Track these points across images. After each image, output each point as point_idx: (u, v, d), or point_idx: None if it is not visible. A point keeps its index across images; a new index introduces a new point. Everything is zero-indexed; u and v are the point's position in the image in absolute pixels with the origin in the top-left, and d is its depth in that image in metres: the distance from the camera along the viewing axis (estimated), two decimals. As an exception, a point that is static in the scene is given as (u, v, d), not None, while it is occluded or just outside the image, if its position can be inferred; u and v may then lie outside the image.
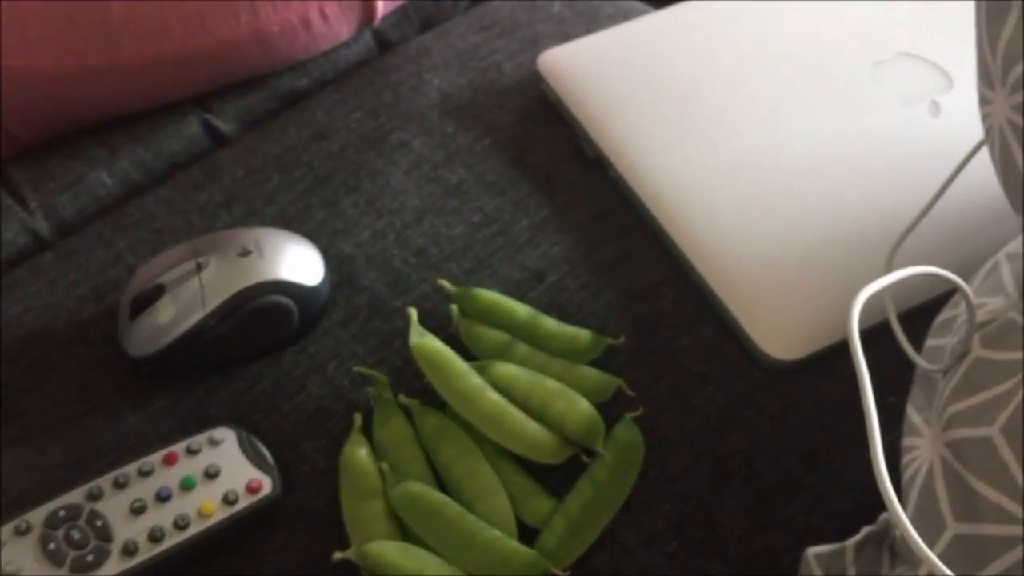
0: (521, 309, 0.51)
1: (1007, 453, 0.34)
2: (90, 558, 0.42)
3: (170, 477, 0.45)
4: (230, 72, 0.65)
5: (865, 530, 0.41)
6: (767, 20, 0.62)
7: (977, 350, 0.38)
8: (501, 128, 0.62)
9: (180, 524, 0.44)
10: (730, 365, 0.50)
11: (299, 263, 0.52)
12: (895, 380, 0.43)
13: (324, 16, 0.64)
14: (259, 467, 0.46)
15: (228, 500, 0.45)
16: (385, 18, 0.69)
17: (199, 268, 0.50)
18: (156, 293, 0.50)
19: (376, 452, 0.47)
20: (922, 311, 0.46)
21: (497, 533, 0.44)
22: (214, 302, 0.49)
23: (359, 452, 0.47)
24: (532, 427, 0.47)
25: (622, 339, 0.51)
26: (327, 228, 0.57)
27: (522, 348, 0.50)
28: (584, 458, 0.47)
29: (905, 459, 0.39)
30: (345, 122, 0.63)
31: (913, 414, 0.41)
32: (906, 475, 0.39)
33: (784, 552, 0.45)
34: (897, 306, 0.44)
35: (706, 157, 0.55)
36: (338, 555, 0.44)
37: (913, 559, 0.39)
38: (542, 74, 0.61)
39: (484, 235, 0.56)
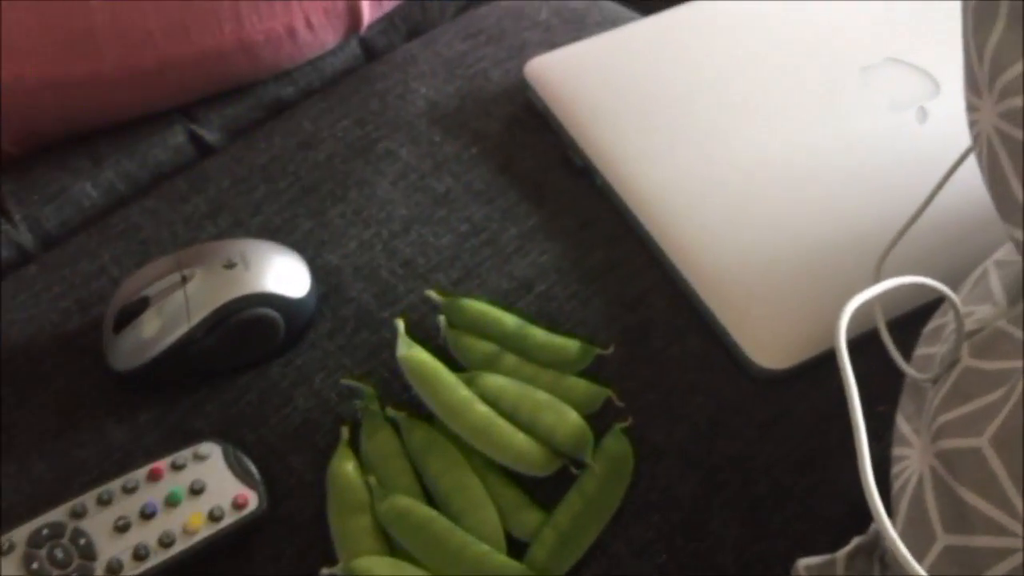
0: (509, 319, 0.51)
1: (997, 464, 0.33)
2: (74, 577, 0.42)
3: (155, 493, 0.45)
4: (215, 81, 0.65)
5: (856, 540, 0.41)
6: (754, 26, 0.62)
7: (966, 359, 0.37)
8: (488, 136, 0.61)
9: (165, 541, 0.43)
10: (720, 374, 0.50)
11: (285, 275, 0.51)
12: (886, 388, 0.43)
13: (309, 24, 0.63)
14: (245, 482, 0.46)
15: (214, 516, 0.44)
16: (371, 26, 0.69)
17: (184, 280, 0.50)
18: (141, 306, 0.49)
19: (364, 465, 0.47)
20: (912, 318, 0.46)
21: (486, 547, 0.44)
22: (199, 315, 0.49)
23: (346, 466, 0.46)
24: (520, 439, 0.46)
25: (611, 349, 0.50)
26: (314, 239, 0.57)
27: (511, 359, 0.50)
28: (573, 470, 0.47)
29: (895, 469, 0.39)
30: (332, 131, 0.63)
31: (903, 424, 0.40)
32: (896, 485, 0.39)
33: (775, 562, 0.44)
34: (887, 314, 0.43)
35: (693, 164, 0.55)
36: (325, 571, 0.43)
37: (903, 570, 0.38)
38: (529, 82, 0.61)
39: (472, 244, 0.56)
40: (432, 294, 0.52)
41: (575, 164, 0.58)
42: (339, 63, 0.69)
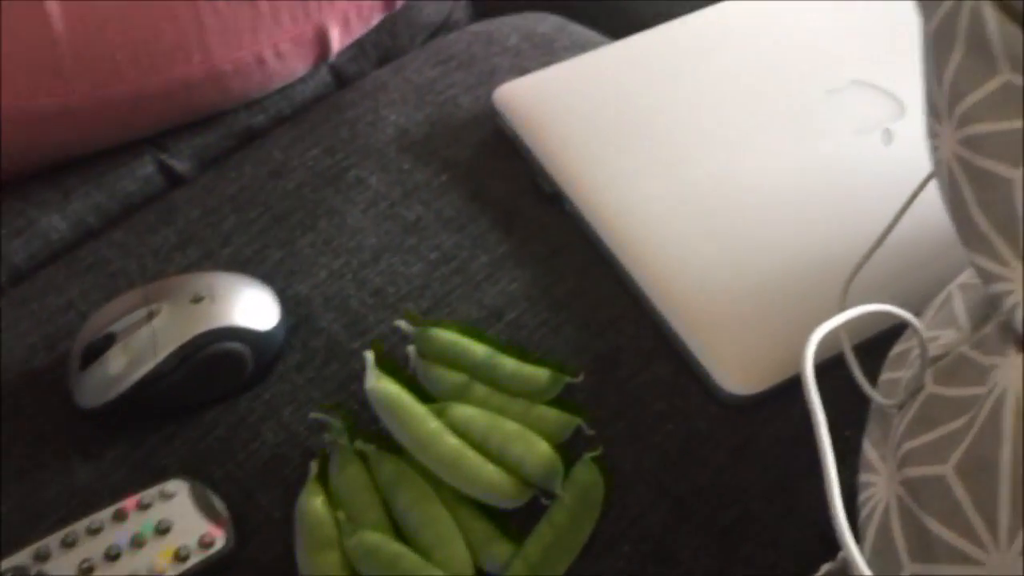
0: (479, 348, 0.51)
1: (961, 492, 0.33)
2: (37, 621, 0.41)
3: (120, 534, 0.44)
4: (184, 111, 0.64)
5: (825, 567, 0.41)
6: (721, 51, 0.62)
7: (930, 386, 0.37)
8: (459, 163, 0.61)
9: (132, 582, 0.43)
10: (689, 400, 0.50)
11: (253, 307, 0.51)
12: (854, 411, 0.43)
13: (279, 54, 0.63)
14: (212, 520, 0.45)
15: (180, 556, 0.44)
16: (342, 53, 0.69)
17: (151, 316, 0.49)
18: (107, 342, 0.49)
19: (333, 500, 0.47)
20: (880, 340, 0.46)
21: (456, 582, 0.43)
22: (166, 350, 0.48)
23: (315, 501, 0.46)
24: (490, 470, 0.46)
25: (581, 376, 0.50)
26: (283, 269, 0.57)
27: (481, 388, 0.50)
28: (544, 500, 0.46)
29: (862, 496, 0.39)
30: (302, 160, 0.62)
31: (869, 450, 0.40)
32: (863, 513, 0.39)
33: (747, 591, 0.44)
34: (853, 337, 0.43)
35: (662, 190, 0.55)
36: (294, 608, 0.43)
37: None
38: (497, 108, 0.61)
39: (442, 273, 0.56)
40: (402, 324, 0.52)
41: (544, 190, 0.58)
42: (309, 90, 0.69)
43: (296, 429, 0.50)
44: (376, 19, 0.68)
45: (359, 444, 0.48)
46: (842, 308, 0.42)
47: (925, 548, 0.34)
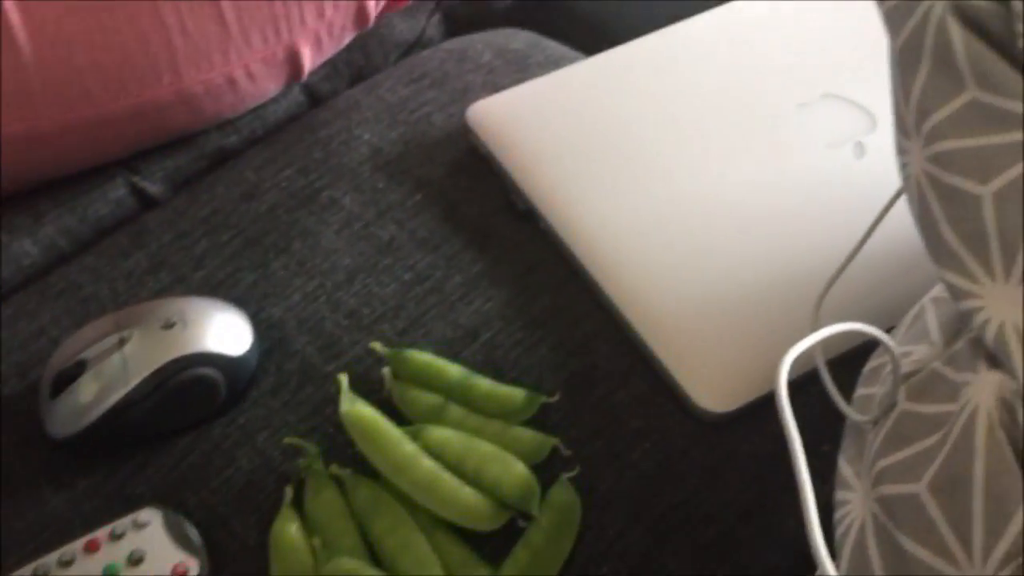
0: (454, 370, 0.51)
1: (935, 511, 0.33)
2: (7, 657, 0.41)
3: (92, 566, 0.44)
4: (156, 133, 0.64)
5: (804, 585, 0.41)
6: (693, 65, 0.62)
7: (903, 403, 0.37)
8: (432, 182, 0.61)
9: (104, 614, 0.42)
10: (666, 419, 0.50)
11: (225, 332, 0.51)
12: (831, 427, 0.43)
13: (249, 74, 0.63)
14: (186, 549, 0.45)
15: (154, 586, 0.43)
16: (314, 72, 0.69)
17: (122, 343, 0.49)
18: (77, 370, 0.48)
19: (308, 526, 0.46)
20: (855, 354, 0.46)
21: (433, 607, 0.43)
22: (137, 377, 0.48)
23: (289, 528, 0.45)
24: (466, 493, 0.46)
25: (557, 396, 0.50)
26: (257, 292, 0.56)
27: (456, 410, 0.49)
28: (521, 522, 0.46)
29: (838, 514, 0.39)
30: (275, 181, 0.62)
31: (844, 466, 0.40)
32: (839, 531, 0.39)
33: (726, 610, 0.44)
34: (827, 352, 0.43)
35: (635, 206, 0.55)
36: (270, 637, 0.43)
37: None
38: (470, 126, 0.61)
39: (417, 293, 0.56)
40: (376, 346, 0.52)
41: (518, 208, 0.58)
42: (282, 110, 0.69)
43: (271, 454, 0.49)
44: (348, 38, 0.68)
45: (334, 469, 0.47)
46: (815, 324, 0.41)
47: (900, 566, 0.34)
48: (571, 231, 0.55)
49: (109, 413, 0.48)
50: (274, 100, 0.68)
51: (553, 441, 0.48)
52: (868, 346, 0.46)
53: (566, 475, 0.47)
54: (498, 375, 0.51)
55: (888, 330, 0.43)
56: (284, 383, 0.52)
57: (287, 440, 0.49)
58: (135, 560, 0.44)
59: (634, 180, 0.56)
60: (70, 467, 0.49)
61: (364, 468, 0.48)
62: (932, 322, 0.41)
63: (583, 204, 0.55)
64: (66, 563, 0.43)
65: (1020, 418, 0.32)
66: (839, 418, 0.43)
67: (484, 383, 0.50)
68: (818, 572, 0.41)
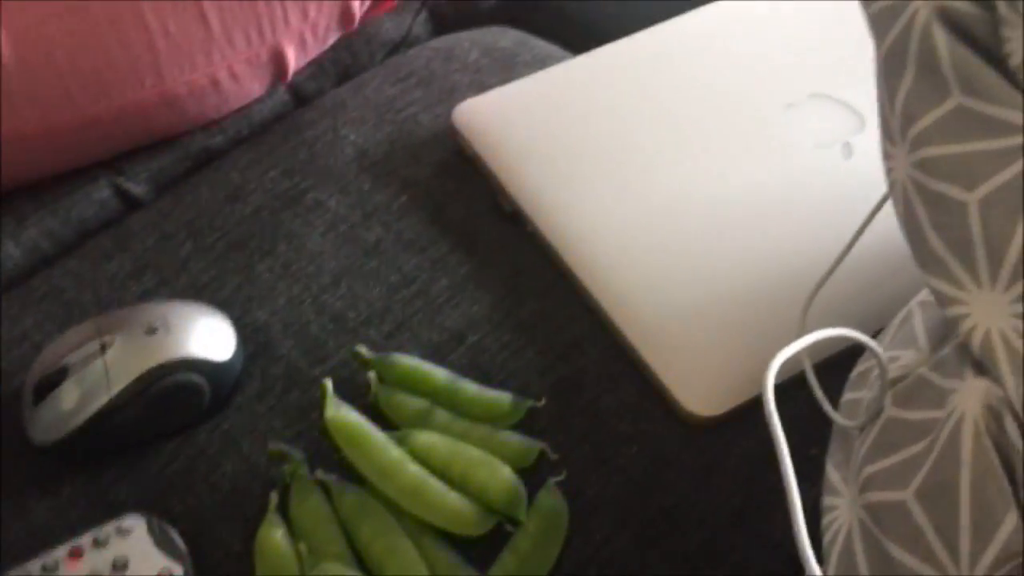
0: (440, 374, 0.50)
1: (921, 518, 0.33)
2: (-12, 669, 0.40)
3: (76, 573, 0.43)
4: (139, 135, 0.63)
5: (792, 590, 0.41)
6: (681, 66, 0.62)
7: (890, 409, 0.37)
8: (419, 183, 0.61)
9: (88, 623, 0.42)
10: (653, 423, 0.49)
11: (209, 337, 0.50)
12: (819, 430, 0.43)
13: (233, 75, 0.62)
14: (170, 555, 0.44)
15: (137, 595, 0.43)
16: (300, 71, 0.68)
17: (103, 348, 0.48)
18: (59, 377, 0.48)
19: (294, 532, 0.46)
20: (843, 357, 0.45)
21: (419, 615, 0.43)
22: (120, 384, 0.47)
23: (275, 534, 0.45)
24: (452, 499, 0.46)
25: (544, 401, 0.50)
26: (241, 295, 0.56)
27: (442, 415, 0.49)
28: (508, 527, 0.46)
29: (825, 520, 0.39)
30: (260, 182, 0.61)
31: (832, 472, 0.40)
32: (827, 536, 0.38)
33: (713, 616, 0.44)
34: (815, 356, 0.43)
35: (621, 208, 0.55)
36: (255, 646, 0.42)
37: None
38: (457, 127, 0.60)
39: (403, 296, 0.55)
40: (362, 351, 0.51)
41: (505, 210, 0.58)
42: (267, 110, 0.69)
43: (256, 460, 0.49)
44: (332, 38, 0.67)
45: (319, 474, 0.47)
46: (802, 329, 0.41)
47: (887, 572, 0.34)
48: (558, 234, 0.54)
49: (92, 419, 0.48)
50: (259, 100, 0.67)
51: (540, 446, 0.48)
52: (856, 349, 0.45)
53: (553, 480, 0.46)
54: (485, 379, 0.51)
55: (875, 334, 0.43)
56: (269, 388, 0.52)
57: (271, 447, 0.48)
58: (119, 566, 0.43)
59: (622, 182, 0.56)
60: (53, 474, 0.49)
61: (350, 474, 0.47)
62: (919, 327, 0.41)
63: (570, 206, 0.55)
64: (49, 570, 0.43)
65: (1007, 425, 0.31)
66: (827, 422, 0.42)
67: (470, 388, 0.50)
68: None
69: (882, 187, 0.44)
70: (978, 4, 0.31)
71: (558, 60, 0.67)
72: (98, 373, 0.48)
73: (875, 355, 0.37)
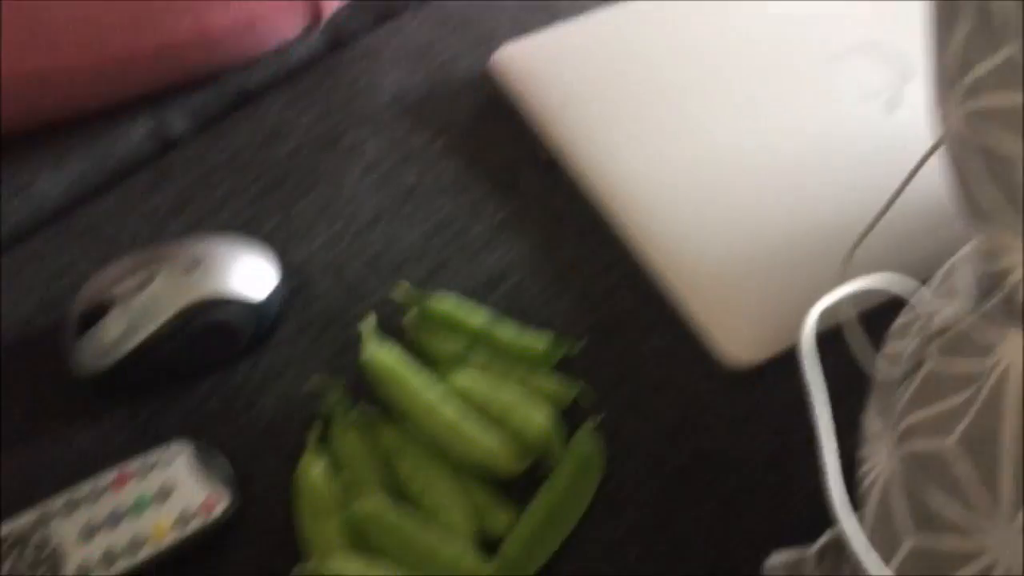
0: (479, 315, 0.51)
1: (961, 468, 0.34)
2: (40, 586, 0.41)
3: (122, 498, 0.44)
4: (176, 73, 0.64)
5: (827, 535, 0.41)
6: (725, 13, 0.61)
7: (933, 360, 0.37)
8: (456, 128, 0.61)
9: (133, 546, 0.43)
10: (690, 369, 0.50)
11: (250, 274, 0.51)
12: (856, 383, 0.43)
13: (270, 16, 0.62)
14: (213, 484, 0.45)
15: (182, 519, 0.44)
16: (338, 13, 0.68)
17: (147, 282, 0.49)
18: (103, 309, 0.49)
19: (333, 466, 0.47)
20: (884, 309, 0.45)
21: (458, 548, 0.43)
22: (163, 317, 0.48)
23: (315, 467, 0.46)
24: (490, 438, 0.46)
25: (581, 344, 0.50)
26: (280, 234, 0.56)
27: (480, 356, 0.50)
28: (543, 468, 0.46)
29: (863, 468, 0.39)
30: (297, 123, 0.62)
31: (870, 422, 0.40)
32: (864, 484, 0.39)
33: (747, 558, 0.44)
34: (856, 306, 0.43)
35: (663, 155, 0.54)
36: (298, 570, 0.43)
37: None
38: (496, 72, 0.60)
39: (441, 238, 0.56)
40: (401, 290, 0.52)
41: (544, 156, 0.58)
42: (305, 51, 0.68)
43: (295, 396, 0.50)
44: (372, -21, 0.67)
45: (358, 411, 0.48)
46: (845, 278, 0.41)
47: (926, 521, 0.35)
48: (599, 180, 0.54)
49: (134, 352, 0.48)
50: (296, 41, 0.67)
51: (576, 389, 0.48)
52: (895, 305, 0.45)
53: (589, 422, 0.47)
54: (523, 321, 0.51)
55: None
56: (308, 326, 0.52)
57: (312, 380, 0.49)
58: (165, 493, 0.44)
59: (662, 129, 0.55)
60: (97, 403, 0.50)
61: (389, 410, 0.48)
62: (964, 280, 0.41)
63: (611, 153, 0.55)
64: (97, 494, 0.44)
65: (1052, 377, 0.32)
66: (865, 374, 0.43)
67: (508, 329, 0.50)
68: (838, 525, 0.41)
69: (928, 140, 0.44)
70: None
71: (599, 5, 0.66)
72: (142, 306, 0.48)
73: (919, 304, 0.37)
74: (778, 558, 0.42)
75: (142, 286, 0.49)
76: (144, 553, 0.43)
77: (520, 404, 0.47)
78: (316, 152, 0.60)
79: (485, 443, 0.46)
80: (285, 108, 0.63)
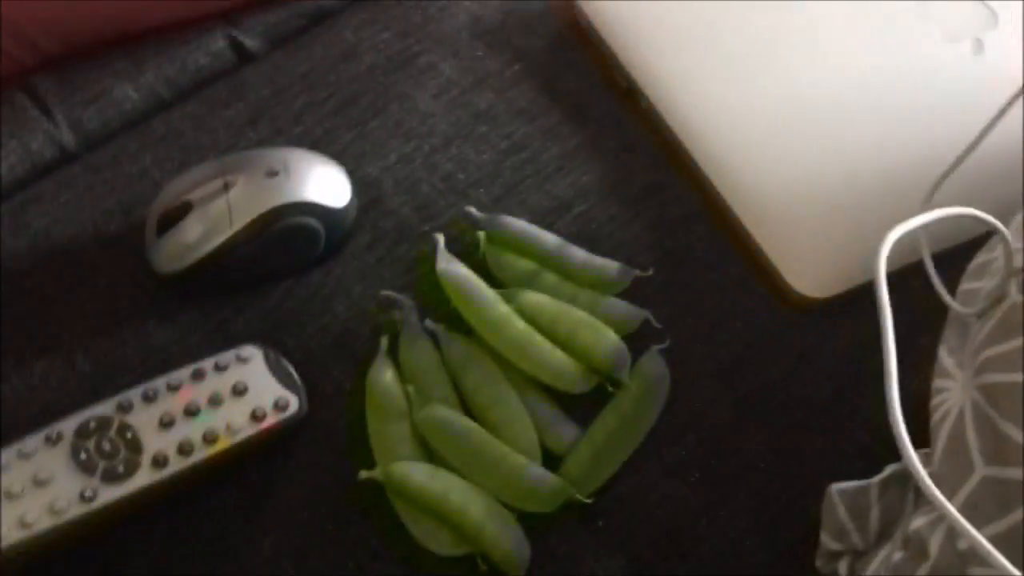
0: (549, 238, 0.51)
1: (1038, 399, 0.34)
2: (120, 468, 0.43)
3: (198, 392, 0.45)
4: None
5: (890, 468, 0.42)
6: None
7: (1014, 295, 0.37)
8: (532, 53, 0.60)
9: (208, 438, 0.44)
10: (758, 302, 0.50)
11: (326, 185, 0.51)
12: (927, 322, 0.43)
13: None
14: (286, 385, 0.46)
15: (256, 416, 0.45)
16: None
17: (227, 187, 0.50)
18: (183, 211, 0.50)
19: (402, 375, 0.48)
20: (957, 253, 0.45)
21: (522, 459, 0.44)
22: (241, 222, 0.49)
23: (385, 374, 0.47)
24: (558, 356, 0.47)
25: (650, 271, 0.50)
26: (354, 150, 0.57)
27: (549, 277, 0.50)
28: (609, 388, 0.47)
29: (935, 400, 0.39)
30: (373, 42, 0.62)
31: (945, 356, 0.40)
32: (936, 416, 0.39)
33: (807, 487, 0.45)
34: (932, 247, 0.43)
35: (741, 89, 0.54)
36: (364, 474, 0.44)
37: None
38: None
39: (512, 162, 0.56)
40: (472, 210, 0.52)
41: (619, 85, 0.58)
42: (381, -29, 0.68)
43: (366, 306, 0.51)
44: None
45: (429, 323, 0.49)
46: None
47: (999, 452, 0.35)
48: (674, 111, 0.54)
49: (212, 254, 0.49)
50: (373, -39, 0.67)
51: (644, 314, 0.49)
52: (971, 246, 0.45)
53: (657, 347, 0.47)
54: (591, 248, 0.52)
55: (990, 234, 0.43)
56: (379, 239, 0.53)
57: (383, 292, 0.50)
58: (239, 390, 0.45)
59: (742, 63, 0.55)
60: (173, 303, 0.51)
61: (457, 326, 0.49)
62: (1046, 220, 0.41)
63: (688, 84, 0.55)
64: (174, 388, 0.45)
65: None
66: (938, 314, 0.43)
67: (579, 253, 0.51)
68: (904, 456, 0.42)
69: (1012, 84, 0.43)
70: None
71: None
72: (221, 210, 0.49)
73: (1003, 238, 0.37)
74: (840, 487, 0.42)
75: (221, 191, 0.50)
76: (219, 445, 0.44)
77: (588, 326, 0.48)
78: (391, 71, 0.60)
79: (553, 361, 0.47)
80: (360, 27, 0.63)
